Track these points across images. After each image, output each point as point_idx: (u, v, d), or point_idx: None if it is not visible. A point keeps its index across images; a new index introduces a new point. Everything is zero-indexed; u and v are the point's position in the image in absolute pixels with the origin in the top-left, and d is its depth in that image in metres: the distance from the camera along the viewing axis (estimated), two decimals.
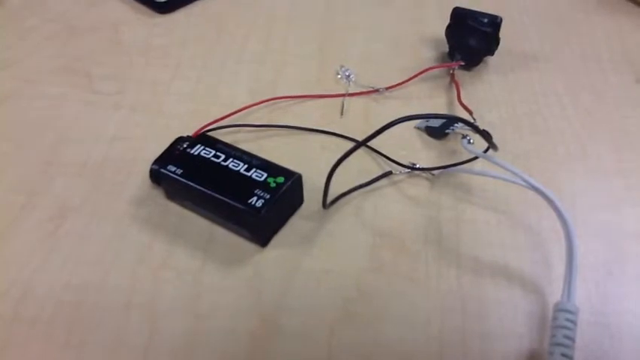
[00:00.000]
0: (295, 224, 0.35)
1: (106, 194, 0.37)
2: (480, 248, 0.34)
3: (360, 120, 0.42)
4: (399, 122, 0.30)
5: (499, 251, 0.34)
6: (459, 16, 0.44)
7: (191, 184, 0.34)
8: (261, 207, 0.32)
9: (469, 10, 0.44)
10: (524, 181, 0.31)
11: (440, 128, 0.39)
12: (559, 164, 0.38)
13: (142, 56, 0.47)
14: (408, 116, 0.31)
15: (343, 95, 0.43)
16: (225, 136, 0.40)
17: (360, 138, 0.39)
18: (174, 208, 0.36)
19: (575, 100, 0.43)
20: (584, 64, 0.46)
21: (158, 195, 0.36)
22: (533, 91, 0.44)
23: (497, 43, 0.44)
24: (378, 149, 0.39)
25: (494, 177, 0.34)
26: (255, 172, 0.34)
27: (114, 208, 0.36)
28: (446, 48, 0.46)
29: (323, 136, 0.40)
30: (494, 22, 0.43)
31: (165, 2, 0.51)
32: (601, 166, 0.38)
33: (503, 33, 0.44)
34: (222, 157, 0.35)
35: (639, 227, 0.35)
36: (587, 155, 0.39)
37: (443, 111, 0.42)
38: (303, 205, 0.36)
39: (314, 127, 0.41)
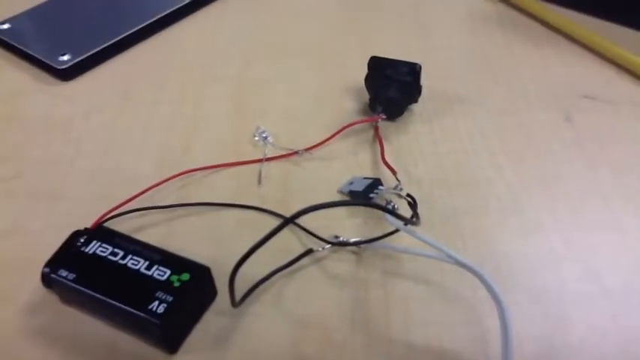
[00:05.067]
0: (209, 321, 0.31)
1: None
2: (412, 329, 0.31)
3: (278, 188, 0.38)
4: (322, 208, 0.27)
5: (433, 330, 0.31)
6: (376, 66, 0.41)
7: (85, 289, 0.30)
8: (163, 313, 0.28)
9: (386, 59, 0.41)
10: (450, 257, 0.29)
11: (364, 192, 0.36)
12: (493, 221, 0.36)
13: (43, 132, 0.43)
14: (332, 202, 0.27)
15: (260, 161, 0.40)
16: (130, 221, 0.36)
17: (279, 209, 0.37)
18: (71, 314, 0.32)
19: (504, 145, 0.41)
20: (512, 104, 0.44)
21: (53, 299, 0.32)
22: (460, 138, 0.41)
23: (420, 91, 0.42)
24: (297, 222, 0.36)
25: (418, 254, 0.32)
26: (156, 269, 0.30)
27: (2, 319, 0.32)
28: (367, 97, 0.43)
29: (239, 210, 0.37)
30: (414, 70, 0.41)
31: (67, 69, 0.47)
32: (536, 219, 0.36)
33: (427, 77, 0.42)
34: (121, 254, 0.31)
35: (581, 288, 0.32)
36: (521, 208, 0.37)
37: (367, 169, 0.39)
38: (218, 298, 0.32)
39: (229, 202, 0.37)
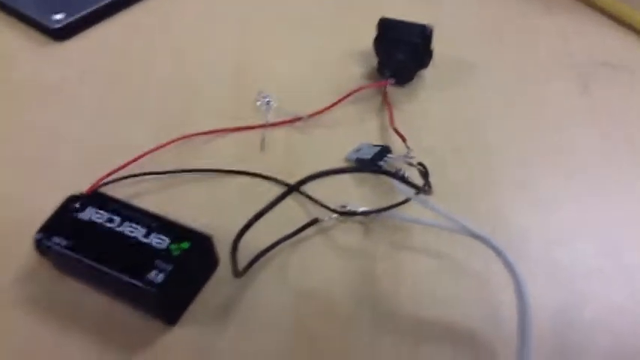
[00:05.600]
0: (210, 292, 0.30)
1: None
2: (422, 304, 0.30)
3: (282, 155, 0.37)
4: (334, 173, 0.25)
5: (444, 305, 0.30)
6: (386, 28, 0.39)
7: (79, 257, 0.28)
8: (161, 282, 0.27)
9: (397, 20, 0.39)
10: (464, 229, 0.27)
11: (371, 160, 0.35)
12: (506, 193, 0.34)
13: (34, 94, 0.41)
14: (338, 168, 0.26)
15: (263, 126, 0.38)
16: (127, 188, 0.34)
17: (282, 176, 0.35)
18: (65, 283, 0.31)
19: (518, 115, 0.39)
20: (526, 72, 0.42)
21: (47, 266, 0.31)
22: (472, 107, 0.40)
23: (430, 56, 0.40)
24: (302, 190, 0.34)
25: (429, 225, 0.30)
26: (155, 237, 0.29)
27: None
28: (374, 61, 0.41)
29: (241, 177, 0.36)
30: (424, 33, 0.39)
31: (61, 28, 0.45)
32: (551, 192, 0.34)
33: (437, 43, 0.40)
34: (117, 220, 0.30)
35: (597, 263, 0.31)
36: (535, 180, 0.35)
37: (375, 136, 0.38)
38: (220, 267, 0.31)
39: (230, 169, 0.36)
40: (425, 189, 0.28)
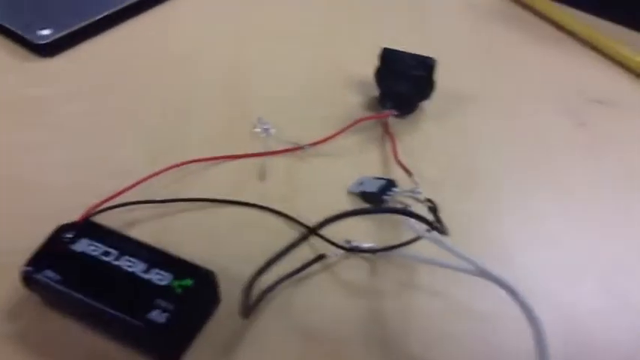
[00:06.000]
0: (211, 332, 0.28)
1: None
2: (431, 345, 0.29)
3: (283, 184, 0.36)
4: (348, 216, 0.24)
5: (454, 348, 0.29)
6: (389, 60, 0.39)
7: (73, 293, 0.27)
8: (164, 323, 0.25)
9: (399, 52, 0.39)
10: (483, 272, 0.26)
11: (377, 193, 0.34)
12: (508, 229, 0.34)
13: (19, 113, 0.39)
14: (359, 209, 0.25)
15: (263, 154, 0.37)
16: (120, 215, 0.33)
17: (283, 207, 0.34)
18: (54, 319, 0.29)
19: (517, 147, 0.39)
20: (522, 105, 0.42)
21: (35, 301, 0.29)
22: (472, 138, 0.39)
23: (433, 87, 0.39)
24: (304, 222, 0.33)
25: (443, 266, 0.29)
26: (156, 273, 0.27)
27: None
28: (374, 91, 0.41)
29: (241, 208, 0.34)
30: (428, 65, 0.38)
31: (47, 44, 0.43)
32: (553, 228, 0.34)
33: (438, 74, 0.39)
34: (115, 254, 0.28)
35: (603, 302, 0.31)
36: (536, 215, 0.35)
37: (376, 168, 0.37)
38: (221, 305, 0.29)
39: (229, 198, 0.34)
40: (442, 229, 0.27)
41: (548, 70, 0.45)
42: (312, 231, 0.24)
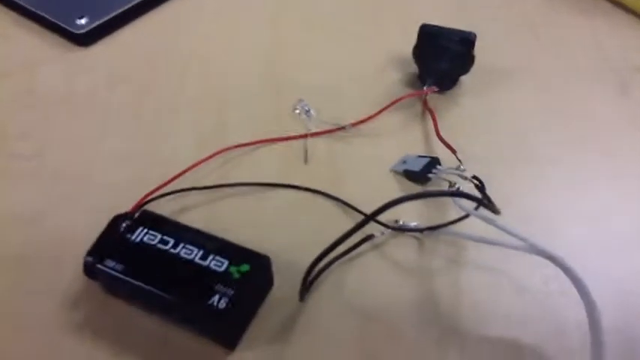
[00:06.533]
0: (267, 314, 0.29)
1: (30, 294, 0.30)
2: (484, 322, 0.29)
3: (326, 166, 0.36)
4: (406, 200, 0.24)
5: (505, 325, 0.29)
6: (428, 36, 0.39)
7: (136, 282, 0.28)
8: (225, 308, 0.26)
9: (438, 27, 0.38)
10: (535, 249, 0.27)
11: (421, 172, 0.34)
12: (557, 203, 0.34)
13: (64, 104, 0.40)
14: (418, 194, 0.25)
15: (305, 136, 0.37)
16: (170, 203, 0.33)
17: (328, 188, 0.35)
18: (117, 306, 0.30)
19: (560, 120, 0.38)
20: (563, 77, 0.41)
21: (96, 289, 0.30)
22: (514, 112, 0.39)
23: (472, 62, 0.39)
24: (351, 203, 0.33)
25: (494, 244, 0.29)
26: (213, 259, 0.28)
27: (41, 313, 0.29)
28: (413, 68, 0.40)
29: (287, 191, 0.35)
30: (468, 40, 0.38)
31: (86, 33, 0.44)
32: (602, 201, 0.34)
33: (476, 48, 0.39)
34: (171, 242, 0.29)
35: None
36: (584, 188, 0.35)
37: (418, 146, 0.37)
38: (274, 288, 0.30)
39: (275, 182, 0.35)
40: (494, 208, 0.27)
41: (590, 40, 0.44)
42: (371, 217, 0.24)
